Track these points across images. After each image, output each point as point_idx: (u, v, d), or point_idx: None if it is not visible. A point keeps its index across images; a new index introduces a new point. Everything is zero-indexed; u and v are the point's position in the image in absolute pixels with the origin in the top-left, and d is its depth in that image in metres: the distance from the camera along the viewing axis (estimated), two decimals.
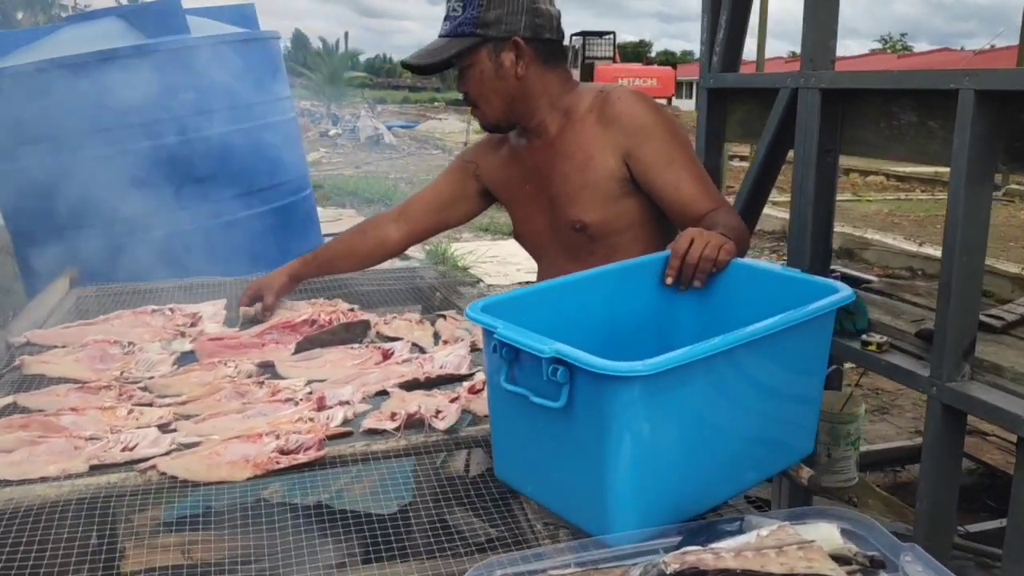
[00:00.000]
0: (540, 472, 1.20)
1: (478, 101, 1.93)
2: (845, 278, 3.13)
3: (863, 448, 3.34)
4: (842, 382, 3.50)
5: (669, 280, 1.46)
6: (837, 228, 8.61)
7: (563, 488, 1.17)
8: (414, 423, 1.45)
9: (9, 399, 1.63)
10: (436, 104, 44.82)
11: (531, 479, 1.23)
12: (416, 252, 7.61)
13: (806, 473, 1.42)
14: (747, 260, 1.45)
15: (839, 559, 1.00)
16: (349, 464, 1.35)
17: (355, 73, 33.15)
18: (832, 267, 3.48)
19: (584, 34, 31.36)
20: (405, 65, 1.93)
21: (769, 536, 1.01)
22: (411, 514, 1.79)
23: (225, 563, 1.43)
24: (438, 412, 1.47)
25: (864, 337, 2.47)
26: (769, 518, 1.09)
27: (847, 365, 3.32)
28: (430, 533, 1.44)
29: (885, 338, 2.40)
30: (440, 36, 1.89)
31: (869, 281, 3.32)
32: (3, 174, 4.60)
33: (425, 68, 1.88)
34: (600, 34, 31.72)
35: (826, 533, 1.06)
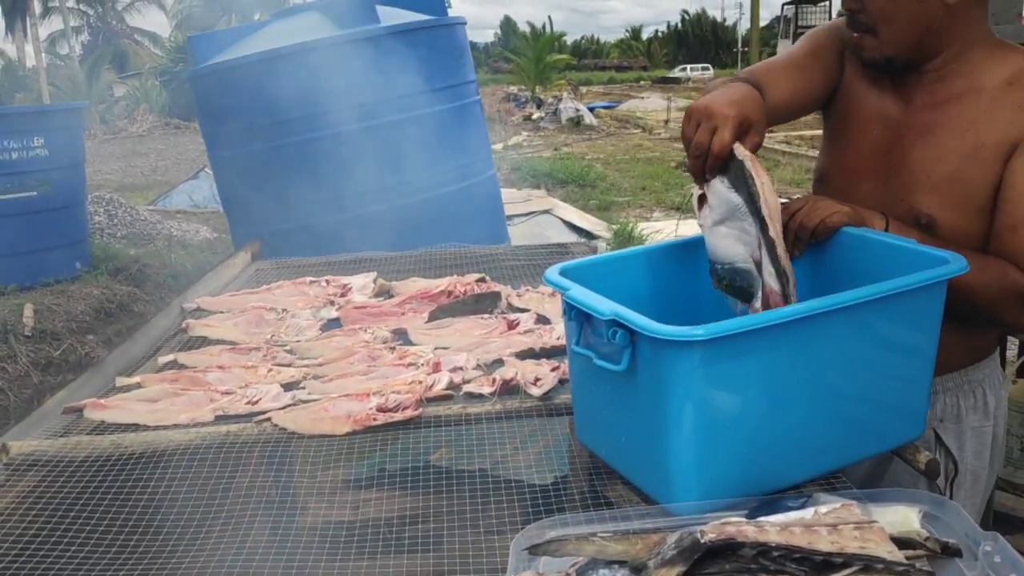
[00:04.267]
0: (611, 437, 1.20)
1: (878, 24, 1.41)
2: None
3: None
4: None
5: None
6: None
7: (631, 454, 1.16)
8: (510, 389, 1.48)
9: (171, 357, 1.83)
10: (641, 83, 44.36)
11: (605, 443, 1.23)
12: (603, 231, 7.61)
13: (924, 457, 1.32)
14: (859, 229, 1.35)
15: (906, 543, 0.94)
16: (443, 425, 1.41)
17: (560, 56, 33.45)
18: None
19: (797, 1, 29.88)
20: None
21: (828, 514, 0.95)
22: (563, 485, 1.83)
23: (400, 520, 1.55)
24: (536, 379, 1.49)
25: None
26: (843, 497, 1.03)
27: None
28: (589, 501, 1.44)
29: None
30: None
31: None
32: (219, 160, 5.07)
33: None
34: (815, 0, 30.09)
35: (903, 516, 0.99)
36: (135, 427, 1.47)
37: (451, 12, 5.29)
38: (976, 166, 1.40)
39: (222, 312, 2.13)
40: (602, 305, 1.08)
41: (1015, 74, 1.40)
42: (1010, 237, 1.37)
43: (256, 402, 1.50)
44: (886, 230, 1.37)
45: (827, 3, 29.78)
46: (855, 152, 1.56)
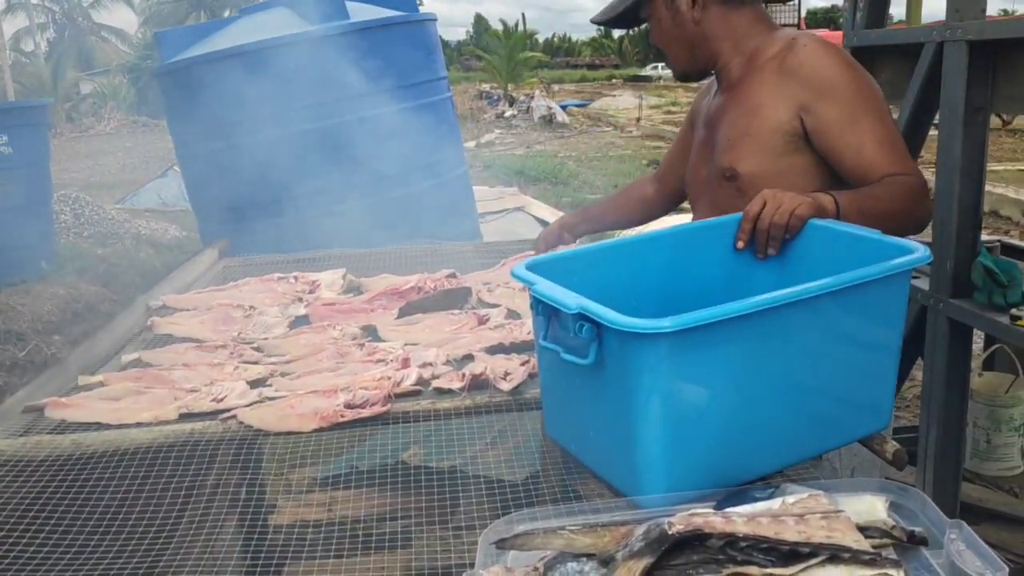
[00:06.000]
0: (580, 431, 1.19)
1: (665, 51, 1.82)
2: (1008, 249, 2.87)
3: None
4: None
5: (740, 244, 1.39)
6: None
7: (599, 448, 1.15)
8: (480, 383, 1.47)
9: (135, 355, 1.80)
10: (613, 81, 44.46)
11: (574, 438, 1.22)
12: None
13: (891, 447, 1.33)
14: (824, 221, 1.36)
15: (873, 532, 0.94)
16: (412, 421, 1.40)
17: (532, 53, 33.43)
18: (997, 238, 3.19)
19: (766, 0, 30.09)
20: (593, 21, 1.90)
21: (796, 504, 0.95)
22: (534, 481, 1.82)
23: (371, 519, 1.53)
24: (506, 374, 1.48)
25: (1014, 311, 2.26)
26: (811, 487, 1.03)
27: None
28: (559, 496, 1.43)
29: None
30: None
31: None
32: (188, 158, 5.00)
33: (605, 23, 1.85)
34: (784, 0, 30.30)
35: (869, 506, 0.99)
36: (97, 426, 1.44)
37: (422, 9, 5.25)
38: (758, 121, 1.68)
39: (188, 310, 2.10)
40: (568, 299, 1.07)
41: (780, 50, 1.70)
42: (867, 164, 1.59)
43: (221, 399, 1.48)
44: (835, 204, 1.45)
45: (796, 2, 30.05)
46: (696, 149, 1.90)
